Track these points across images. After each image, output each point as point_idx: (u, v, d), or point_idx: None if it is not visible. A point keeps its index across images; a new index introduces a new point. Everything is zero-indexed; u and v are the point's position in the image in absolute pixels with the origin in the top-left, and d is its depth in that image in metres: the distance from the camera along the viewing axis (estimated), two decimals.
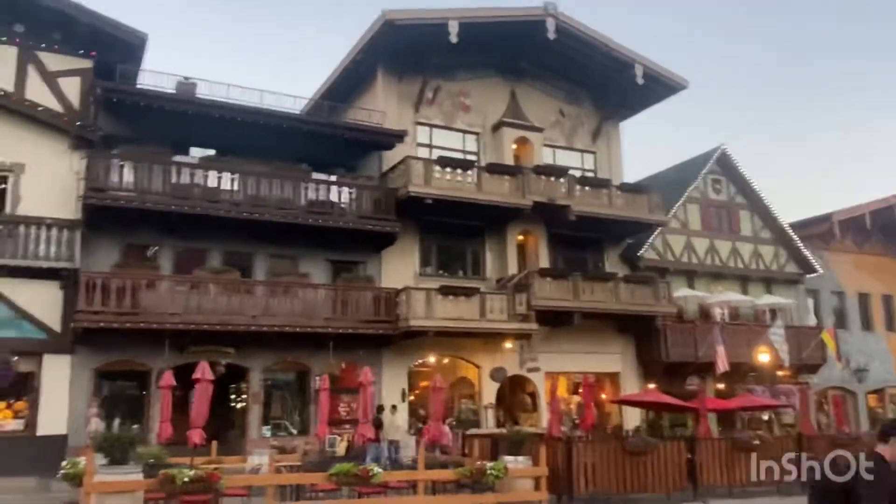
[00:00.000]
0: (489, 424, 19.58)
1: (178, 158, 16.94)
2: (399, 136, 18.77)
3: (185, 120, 16.98)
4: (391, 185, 18.88)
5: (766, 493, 13.29)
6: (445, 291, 17.94)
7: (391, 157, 19.55)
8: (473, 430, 13.83)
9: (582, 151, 23.09)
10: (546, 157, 22.20)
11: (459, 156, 20.56)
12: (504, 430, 11.43)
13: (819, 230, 26.02)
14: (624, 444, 11.97)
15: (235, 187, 16.95)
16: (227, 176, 16.55)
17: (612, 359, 21.97)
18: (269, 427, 17.54)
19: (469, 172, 19.01)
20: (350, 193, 17.97)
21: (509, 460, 10.71)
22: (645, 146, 68.52)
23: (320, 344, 17.32)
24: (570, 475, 11.14)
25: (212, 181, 16.63)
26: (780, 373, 22.50)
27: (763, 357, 20.77)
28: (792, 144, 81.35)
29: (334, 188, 18.21)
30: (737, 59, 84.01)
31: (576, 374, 21.85)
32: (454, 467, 10.51)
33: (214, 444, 13.07)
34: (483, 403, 19.82)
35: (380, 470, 9.40)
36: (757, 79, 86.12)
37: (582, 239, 22.13)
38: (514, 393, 21.58)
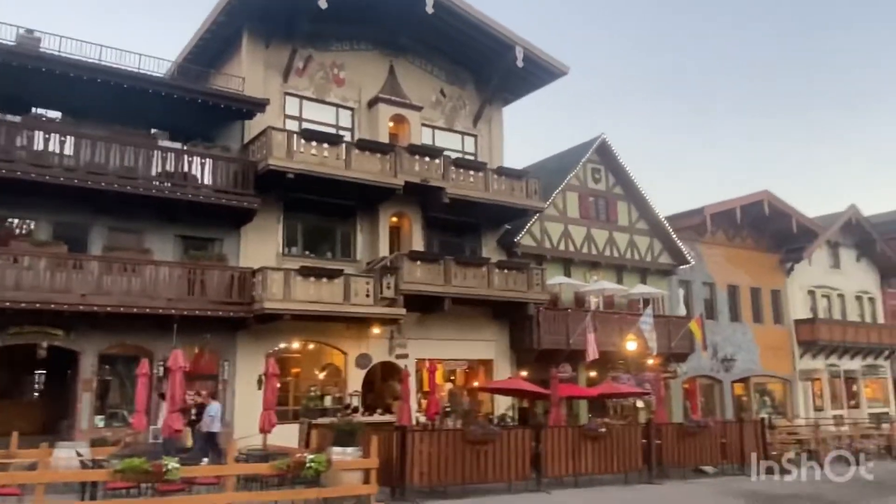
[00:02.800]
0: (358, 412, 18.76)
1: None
2: (260, 105, 17.49)
3: (26, 76, 15.18)
4: (252, 157, 17.60)
5: (613, 481, 13.13)
6: (306, 272, 16.89)
7: (256, 128, 18.22)
8: (320, 420, 12.93)
9: (463, 134, 22.50)
10: (425, 137, 21.47)
11: (332, 131, 19.49)
12: (335, 419, 10.60)
13: (692, 223, 26.64)
14: (464, 434, 11.42)
15: (68, 151, 15.24)
16: (55, 138, 14.77)
17: (486, 346, 21.59)
18: (103, 417, 15.96)
19: (337, 147, 17.97)
20: (202, 164, 16.54)
21: (337, 451, 9.92)
22: (539, 136, 69.58)
23: (165, 327, 15.90)
24: (403, 466, 10.46)
25: (39, 143, 14.83)
26: (650, 361, 22.80)
27: (630, 345, 20.93)
28: (683, 138, 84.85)
29: (191, 159, 16.77)
30: (630, 52, 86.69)
31: (448, 360, 21.44)
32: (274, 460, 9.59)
33: (15, 435, 11.54)
34: (349, 391, 18.94)
35: (177, 465, 8.35)
36: (649, 73, 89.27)
37: (459, 223, 21.59)
38: (384, 380, 20.87)
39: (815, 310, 30.58)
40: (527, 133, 73.97)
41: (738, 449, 15.08)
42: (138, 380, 12.49)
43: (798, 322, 29.64)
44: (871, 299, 33.26)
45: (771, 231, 29.16)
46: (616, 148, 24.81)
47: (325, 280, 17.06)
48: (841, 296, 31.90)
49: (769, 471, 14.98)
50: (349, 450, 10.00)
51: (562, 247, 23.45)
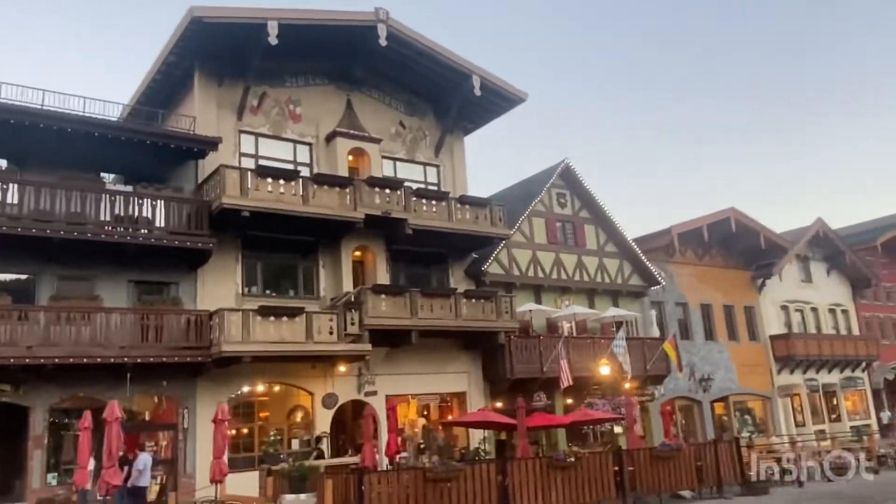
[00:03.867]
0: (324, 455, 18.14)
1: None
2: (212, 144, 17.16)
3: None
4: (206, 197, 17.21)
5: None
6: (265, 312, 16.40)
7: (210, 168, 17.81)
8: (276, 466, 12.31)
9: (425, 164, 22.33)
10: (386, 169, 21.26)
11: (290, 167, 19.20)
12: (286, 465, 10.03)
13: (661, 243, 26.60)
14: (425, 472, 10.93)
15: (12, 199, 14.75)
16: None
17: (458, 378, 21.14)
18: (55, 474, 15.19)
19: (293, 183, 17.65)
20: (153, 206, 16.11)
21: (289, 499, 9.40)
22: (506, 164, 69.96)
23: (119, 376, 15.29)
24: None
25: None
26: (626, 385, 22.46)
27: (604, 369, 20.58)
28: (653, 160, 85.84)
29: (142, 201, 16.34)
30: (596, 77, 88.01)
31: (420, 395, 20.92)
32: None
33: None
34: (317, 433, 18.32)
35: None
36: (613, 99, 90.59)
37: (425, 255, 21.27)
38: (355, 420, 20.27)
39: (790, 324, 30.57)
40: (493, 161, 74.65)
41: (715, 471, 14.71)
42: (81, 434, 11.84)
43: (773, 338, 29.57)
44: (845, 311, 33.35)
45: (740, 248, 29.22)
46: (581, 172, 24.80)
47: (285, 319, 16.57)
48: (814, 309, 31.95)
49: (748, 492, 14.61)
50: (303, 496, 9.49)
51: (531, 273, 23.21)
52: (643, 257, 25.42)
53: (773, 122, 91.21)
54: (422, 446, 19.75)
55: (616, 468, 13.14)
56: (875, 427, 30.29)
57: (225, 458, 11.75)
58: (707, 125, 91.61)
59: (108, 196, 15.69)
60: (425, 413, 21.22)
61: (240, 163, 18.36)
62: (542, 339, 21.85)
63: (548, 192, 24.25)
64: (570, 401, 22.49)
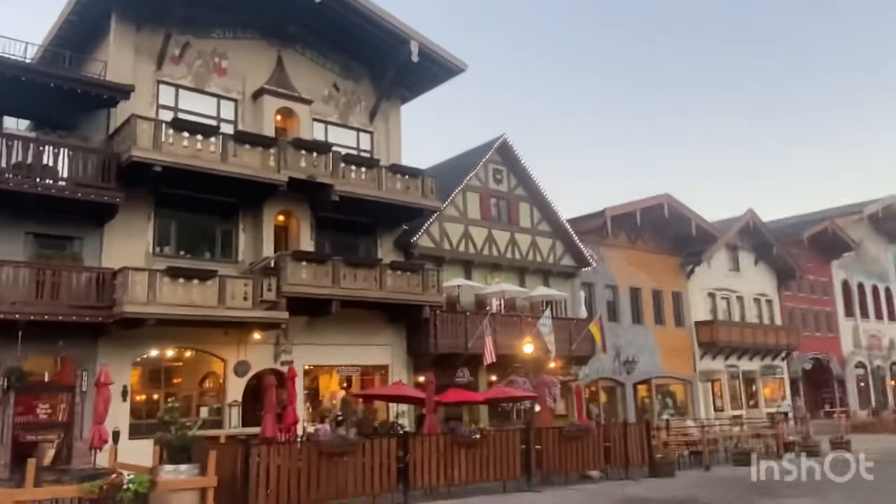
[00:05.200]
0: (233, 425, 17.57)
1: None
2: (124, 91, 16.10)
3: None
4: (117, 149, 16.18)
5: (490, 490, 12.49)
6: (174, 273, 15.60)
7: (124, 118, 16.76)
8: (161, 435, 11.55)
9: (358, 130, 21.61)
10: (317, 132, 20.49)
11: (213, 123, 18.26)
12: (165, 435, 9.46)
13: (594, 225, 26.61)
14: (320, 446, 10.51)
15: None
16: None
17: (382, 351, 20.73)
18: None
19: (213, 139, 16.76)
20: (55, 154, 15.04)
21: (168, 470, 8.85)
22: (447, 138, 69.47)
23: (11, 334, 14.30)
24: (247, 484, 9.47)
25: None
26: (551, 364, 22.47)
27: (527, 348, 20.49)
28: (591, 141, 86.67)
29: (46, 149, 15.22)
30: (539, 53, 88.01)
31: (341, 367, 20.46)
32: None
33: None
34: (227, 401, 17.70)
35: None
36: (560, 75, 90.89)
37: (352, 223, 20.66)
38: (277, 389, 19.67)
39: (715, 312, 31.17)
40: (434, 134, 74.13)
41: (623, 452, 14.76)
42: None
43: (698, 324, 30.11)
44: (769, 301, 34.24)
45: (672, 234, 29.52)
46: (519, 149, 24.48)
47: (196, 282, 15.80)
48: (740, 298, 32.68)
49: (654, 474, 14.72)
50: (183, 467, 8.94)
51: (462, 248, 22.87)
52: (576, 238, 25.38)
53: (723, 110, 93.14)
54: (339, 419, 19.33)
55: (523, 447, 12.99)
56: (787, 413, 31.25)
57: (106, 424, 11.07)
58: (654, 112, 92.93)
59: (4, 140, 14.53)
60: (345, 385, 20.77)
61: (157, 115, 17.33)
62: (469, 315, 21.62)
63: (484, 166, 23.88)
64: (494, 378, 22.37)
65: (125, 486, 7.95)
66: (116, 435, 13.82)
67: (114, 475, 8.32)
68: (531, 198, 24.87)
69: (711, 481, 14.55)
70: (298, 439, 12.78)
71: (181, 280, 15.64)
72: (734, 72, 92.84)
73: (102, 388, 11.08)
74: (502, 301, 23.71)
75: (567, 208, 28.19)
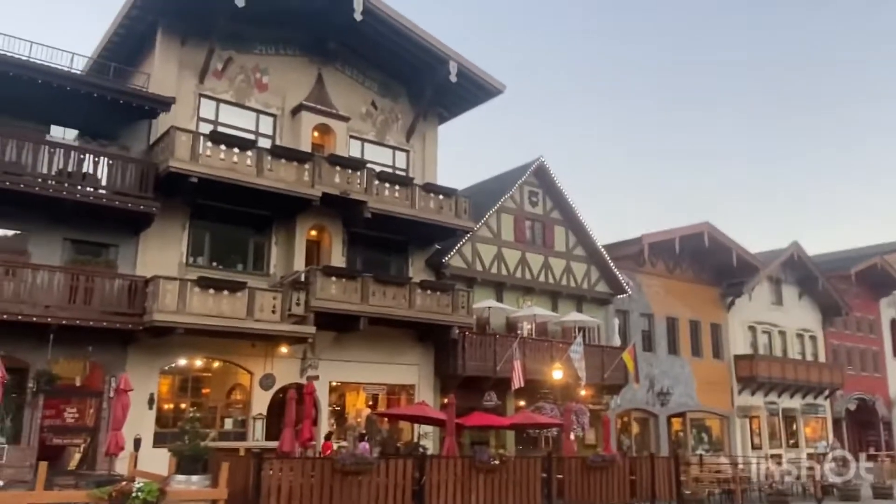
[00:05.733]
0: (256, 438, 17.55)
1: None
2: (165, 103, 16.43)
3: None
4: (156, 160, 16.49)
5: None
6: (205, 284, 15.75)
7: (164, 130, 17.10)
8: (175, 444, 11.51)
9: (394, 148, 21.69)
10: (354, 149, 20.64)
11: (252, 137, 18.48)
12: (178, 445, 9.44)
13: (631, 252, 26.11)
14: (333, 463, 10.33)
15: None
16: None
17: (409, 370, 20.56)
18: None
19: (249, 153, 16.97)
20: (96, 163, 15.39)
21: (180, 480, 8.80)
22: (484, 159, 69.29)
23: (43, 337, 14.58)
24: (258, 498, 9.34)
25: None
26: (582, 392, 21.98)
27: (557, 374, 20.06)
28: (632, 168, 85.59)
29: (87, 158, 15.61)
30: (578, 78, 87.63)
31: (367, 384, 20.34)
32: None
33: None
34: (252, 414, 17.71)
35: None
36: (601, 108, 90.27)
37: (384, 241, 20.65)
38: (299, 403, 19.61)
39: (756, 346, 30.22)
40: (471, 156, 74.25)
41: (650, 486, 14.22)
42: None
43: (738, 357, 29.20)
44: (813, 337, 33.08)
45: (712, 264, 28.79)
46: (555, 172, 24.24)
47: (226, 293, 15.92)
48: (782, 333, 31.62)
49: None
50: (195, 478, 8.88)
51: (494, 270, 22.64)
52: (612, 264, 24.93)
53: (767, 140, 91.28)
54: (365, 436, 19.19)
55: (545, 475, 12.61)
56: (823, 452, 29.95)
57: (123, 430, 11.11)
58: (698, 135, 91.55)
59: (47, 148, 14.92)
60: (370, 403, 20.63)
61: (197, 127, 17.67)
62: (498, 337, 21.32)
63: (519, 189, 23.69)
64: (522, 403, 21.97)
65: (134, 494, 7.90)
66: (138, 442, 13.90)
67: (123, 482, 8.30)
68: (567, 222, 24.56)
69: None
70: (314, 455, 12.61)
71: (211, 291, 15.77)
72: (782, 96, 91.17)
73: (121, 395, 11.14)
74: (534, 325, 23.36)
75: (603, 233, 27.69)
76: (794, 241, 31.57)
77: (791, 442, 31.05)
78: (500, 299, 22.57)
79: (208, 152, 16.35)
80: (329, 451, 16.39)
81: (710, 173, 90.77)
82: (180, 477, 8.89)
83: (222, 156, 16.54)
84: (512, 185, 23.54)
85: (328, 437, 17.60)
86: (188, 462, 8.94)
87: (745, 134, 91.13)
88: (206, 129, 17.67)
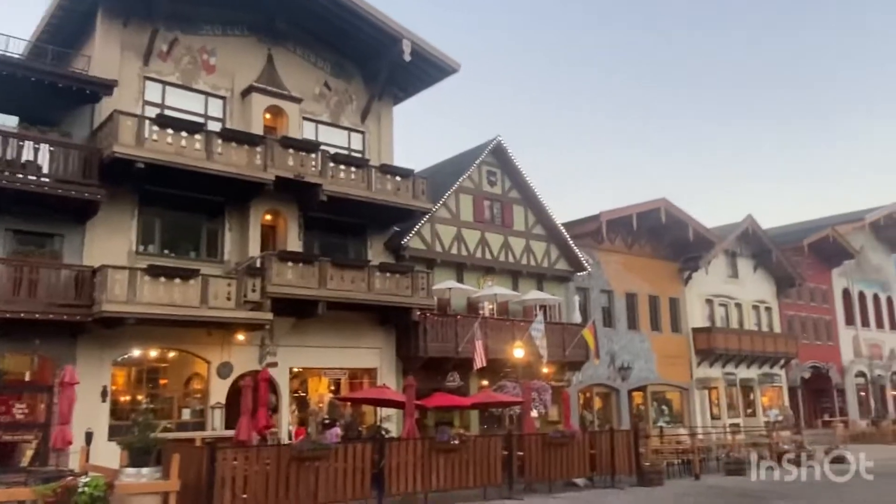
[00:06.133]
0: (216, 427, 17.26)
1: None
2: (107, 87, 15.87)
3: None
4: (99, 145, 15.94)
5: (469, 497, 12.16)
6: (155, 272, 15.34)
7: (108, 114, 16.51)
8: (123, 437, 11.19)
9: (349, 130, 21.36)
10: (307, 132, 20.25)
11: (201, 121, 18.01)
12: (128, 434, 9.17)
13: (590, 229, 26.29)
14: (290, 450, 10.19)
15: None
16: None
17: (370, 354, 20.43)
18: None
19: (198, 136, 16.51)
20: (36, 150, 14.79)
21: (130, 473, 8.56)
22: (443, 140, 69.02)
23: None
24: (212, 489, 9.15)
25: None
26: (544, 369, 22.14)
27: (518, 352, 20.15)
28: (590, 144, 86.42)
29: (26, 144, 14.98)
30: (537, 57, 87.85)
31: (327, 369, 20.16)
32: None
33: None
34: (211, 403, 17.41)
35: None
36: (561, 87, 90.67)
37: (342, 224, 20.40)
38: (255, 391, 19.38)
39: (713, 318, 30.79)
40: (429, 137, 73.99)
41: (609, 460, 14.41)
42: None
43: (696, 330, 29.72)
44: (768, 309, 33.83)
45: (669, 239, 29.17)
46: (514, 151, 24.19)
47: (178, 281, 15.54)
48: (738, 305, 32.27)
49: (642, 482, 14.36)
50: (145, 470, 8.65)
51: (454, 251, 22.57)
52: (571, 242, 25.05)
53: (728, 112, 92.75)
54: (326, 422, 19.06)
55: (506, 453, 12.66)
56: (786, 423, 30.80)
57: (74, 424, 10.78)
58: (653, 114, 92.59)
59: None
60: (332, 389, 20.47)
61: (143, 111, 17.11)
62: (460, 318, 21.29)
63: (478, 168, 23.59)
64: (485, 382, 22.06)
65: (80, 490, 7.65)
66: (89, 436, 13.55)
67: (70, 478, 8.03)
68: (526, 200, 24.57)
69: (699, 490, 14.19)
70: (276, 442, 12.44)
71: (162, 279, 15.37)
72: (734, 73, 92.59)
73: (66, 388, 10.80)
74: (495, 305, 23.40)
75: (563, 211, 27.85)
76: (749, 214, 32.14)
77: (749, 411, 31.82)
78: (460, 280, 22.53)
79: (154, 137, 15.86)
80: (300, 437, 16.30)
81: (669, 150, 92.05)
82: (130, 470, 8.64)
83: (169, 140, 16.07)
84: (470, 165, 23.42)
85: (302, 423, 17.47)
86: (137, 454, 8.70)
87: (704, 113, 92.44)
88: (152, 112, 17.13)
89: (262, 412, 12.36)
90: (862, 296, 39.28)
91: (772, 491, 13.55)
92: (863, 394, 38.03)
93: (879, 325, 40.07)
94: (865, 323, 39.10)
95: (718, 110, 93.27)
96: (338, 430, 17.05)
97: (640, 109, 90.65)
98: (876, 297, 40.21)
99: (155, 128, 15.91)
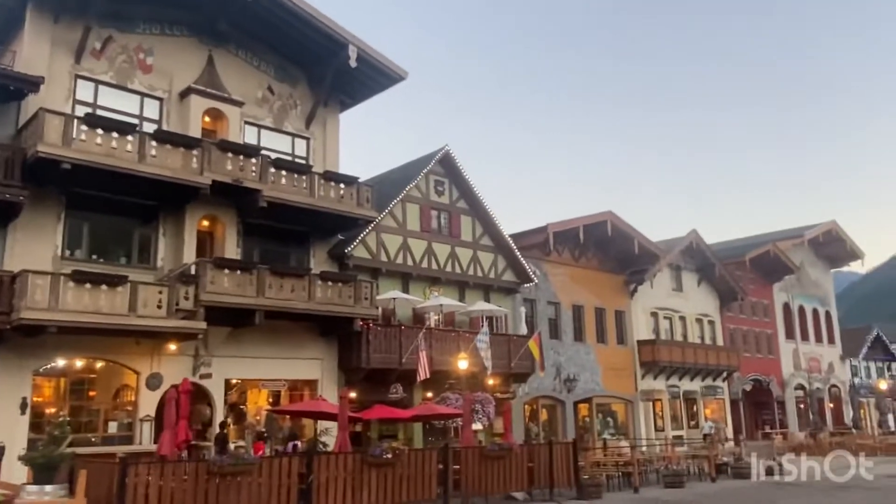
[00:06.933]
0: (144, 441, 16.52)
1: None
2: (33, 84, 15.17)
3: None
4: (24, 145, 15.19)
5: None
6: (81, 278, 14.63)
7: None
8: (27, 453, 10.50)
9: (293, 135, 20.91)
10: (249, 136, 19.77)
11: (136, 122, 17.34)
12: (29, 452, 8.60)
13: (537, 241, 26.30)
14: (209, 466, 9.70)
15: None
16: None
17: (311, 365, 19.91)
18: None
19: (130, 138, 15.89)
20: None
21: (31, 491, 7.98)
22: (393, 150, 68.96)
23: None
24: None
25: None
26: (489, 381, 21.96)
27: (462, 363, 19.91)
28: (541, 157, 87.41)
29: None
30: (488, 69, 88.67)
31: (265, 381, 19.57)
32: None
33: None
34: (140, 416, 16.67)
35: None
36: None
37: (283, 232, 19.91)
38: (192, 403, 18.68)
39: (658, 331, 31.14)
40: (379, 147, 73.99)
41: (548, 473, 14.24)
42: None
43: (641, 343, 30.00)
44: (711, 322, 34.42)
45: (615, 252, 29.43)
46: (462, 161, 24.06)
47: (105, 287, 14.84)
48: (683, 318, 32.74)
49: (581, 495, 14.23)
50: (48, 488, 8.08)
51: (399, 260, 22.26)
52: (518, 253, 25.01)
53: (679, 127, 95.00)
54: (264, 435, 18.49)
55: (442, 466, 12.36)
56: (729, 435, 31.31)
57: None
58: (602, 129, 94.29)
59: None
60: (270, 401, 19.88)
61: (73, 110, 16.44)
62: (404, 329, 20.94)
63: (425, 178, 23.38)
64: (429, 394, 21.73)
65: None
66: (1, 450, 12.74)
67: None
68: (473, 211, 24.45)
69: (636, 503, 14.13)
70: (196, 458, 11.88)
71: (88, 285, 14.67)
72: (687, 96, 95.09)
73: None
74: (441, 316, 23.14)
75: (511, 223, 27.83)
76: (693, 229, 32.73)
77: (692, 423, 32.22)
78: (406, 290, 22.22)
79: (83, 136, 15.20)
80: (261, 453, 15.76)
81: (621, 165, 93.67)
82: (32, 487, 8.04)
83: (99, 140, 15.41)
84: (417, 174, 23.20)
85: (260, 436, 16.95)
86: (41, 470, 8.10)
87: (653, 127, 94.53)
88: (85, 112, 16.41)
89: (182, 425, 11.80)
90: (802, 310, 40.36)
91: (713, 501, 13.54)
92: (802, 406, 38.97)
93: (818, 339, 41.22)
94: (805, 337, 40.17)
95: (664, 128, 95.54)
96: (297, 444, 16.54)
97: (590, 125, 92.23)
98: (815, 312, 41.38)
99: (84, 127, 15.25)
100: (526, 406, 25.58)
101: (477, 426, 21.64)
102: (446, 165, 23.92)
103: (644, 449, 22.21)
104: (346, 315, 18.91)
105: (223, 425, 17.00)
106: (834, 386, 41.84)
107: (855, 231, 44.49)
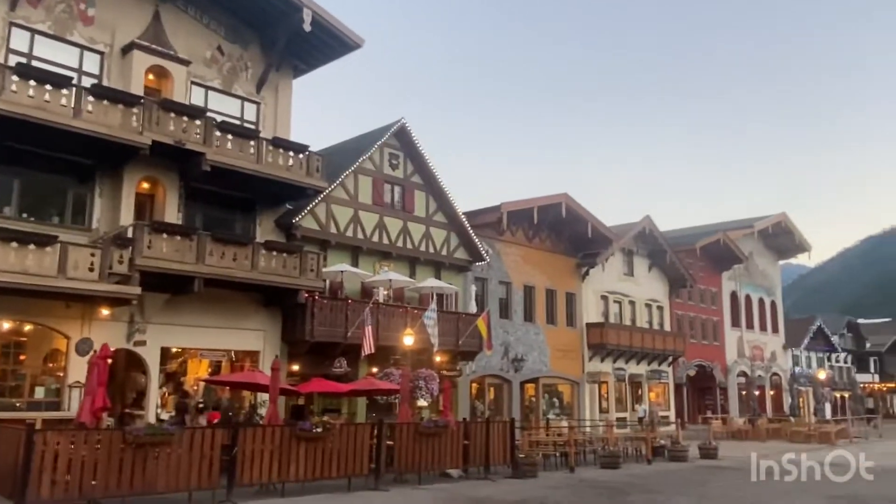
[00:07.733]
0: (73, 407, 15.95)
1: None
2: None
3: None
4: None
5: (333, 488, 11.61)
6: (6, 236, 13.92)
7: None
8: None
9: (243, 99, 20.22)
10: (196, 97, 19.03)
11: (74, 76, 16.52)
12: None
13: (491, 219, 26.16)
14: (125, 435, 9.33)
15: None
16: None
17: (254, 336, 19.47)
18: None
19: (64, 91, 15.10)
20: None
21: None
22: (352, 121, 68.23)
23: None
24: (27, 474, 8.22)
25: None
26: (436, 358, 21.86)
27: (407, 339, 19.73)
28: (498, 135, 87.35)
29: None
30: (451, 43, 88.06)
31: (203, 350, 19.09)
32: None
33: None
34: (69, 382, 16.08)
35: None
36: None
37: (228, 198, 19.32)
38: (126, 371, 18.19)
39: (607, 314, 31.44)
40: (337, 117, 73.09)
41: (484, 451, 14.20)
42: None
43: (589, 325, 30.25)
44: (660, 307, 34.91)
45: (569, 234, 29.50)
46: (418, 135, 23.67)
47: (32, 247, 14.14)
48: (632, 302, 33.11)
49: (516, 474, 14.23)
50: None
51: (349, 233, 21.86)
52: (471, 231, 24.83)
53: (637, 118, 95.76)
54: (201, 406, 18.05)
55: (374, 442, 12.18)
56: (671, 418, 31.90)
57: None
58: (566, 114, 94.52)
59: None
60: (210, 372, 19.42)
61: (6, 60, 15.53)
62: (351, 302, 20.63)
63: (379, 150, 22.94)
64: (374, 370, 21.51)
65: None
66: None
67: None
68: (427, 186, 24.14)
69: (570, 483, 14.20)
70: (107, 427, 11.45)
71: (14, 244, 13.96)
72: (649, 79, 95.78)
73: None
74: (390, 291, 22.87)
75: (466, 201, 27.60)
76: (647, 215, 32.98)
77: (636, 406, 32.72)
78: (355, 263, 21.88)
79: (14, 87, 14.38)
80: (216, 421, 15.41)
81: (576, 149, 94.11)
82: None
83: (31, 92, 14.60)
84: (371, 145, 22.75)
85: (216, 406, 16.51)
86: None
87: (613, 114, 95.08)
88: (19, 63, 15.55)
89: (99, 393, 11.35)
90: (748, 299, 41.27)
91: (638, 484, 13.71)
92: (744, 393, 40.00)
93: (763, 327, 42.27)
94: (750, 325, 41.12)
95: (632, 115, 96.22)
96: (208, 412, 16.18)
97: (553, 109, 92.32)
98: (761, 301, 42.37)
99: (15, 77, 14.42)
100: (473, 384, 25.59)
101: (422, 402, 21.60)
102: (402, 139, 23.51)
103: (588, 430, 22.41)
104: (290, 286, 18.49)
105: (185, 394, 16.55)
106: (775, 374, 43.04)
107: (805, 224, 45.55)
